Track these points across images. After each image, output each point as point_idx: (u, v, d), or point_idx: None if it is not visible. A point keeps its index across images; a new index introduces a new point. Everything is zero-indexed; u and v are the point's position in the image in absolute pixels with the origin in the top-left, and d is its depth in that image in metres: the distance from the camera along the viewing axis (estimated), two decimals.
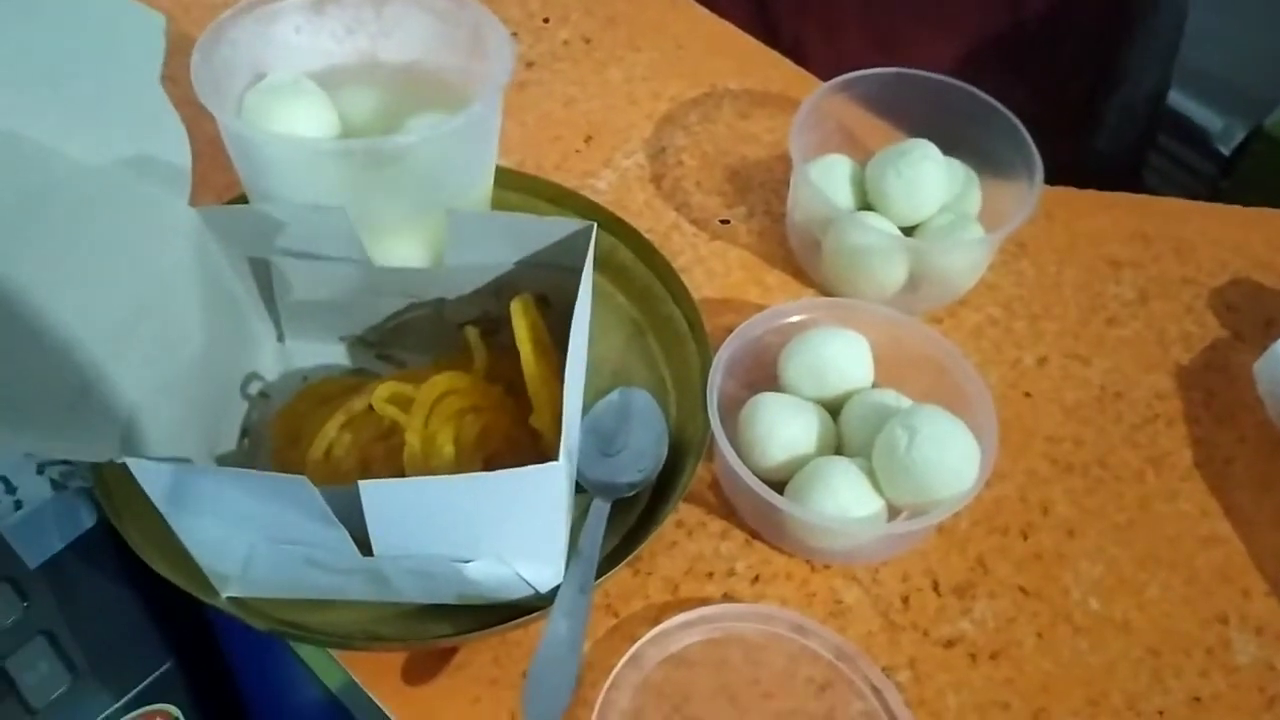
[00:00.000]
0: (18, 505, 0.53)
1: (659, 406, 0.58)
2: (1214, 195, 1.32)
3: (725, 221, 0.70)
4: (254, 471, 0.42)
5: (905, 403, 0.56)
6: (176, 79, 0.51)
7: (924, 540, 0.56)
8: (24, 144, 0.46)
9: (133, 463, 0.42)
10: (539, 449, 0.53)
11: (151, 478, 0.43)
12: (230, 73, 0.55)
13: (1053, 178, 0.72)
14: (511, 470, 0.43)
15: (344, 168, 0.52)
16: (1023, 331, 0.66)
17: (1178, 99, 1.29)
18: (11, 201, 0.45)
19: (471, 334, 0.55)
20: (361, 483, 0.42)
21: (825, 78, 0.68)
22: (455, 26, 0.57)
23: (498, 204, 0.62)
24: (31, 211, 0.45)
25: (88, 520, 0.55)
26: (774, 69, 0.81)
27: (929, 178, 0.64)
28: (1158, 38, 1.04)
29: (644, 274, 0.63)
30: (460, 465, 0.50)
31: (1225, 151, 1.33)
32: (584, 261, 0.51)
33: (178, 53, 0.52)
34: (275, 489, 0.43)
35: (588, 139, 0.75)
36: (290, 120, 0.54)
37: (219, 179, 0.63)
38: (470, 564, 0.47)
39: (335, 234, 0.52)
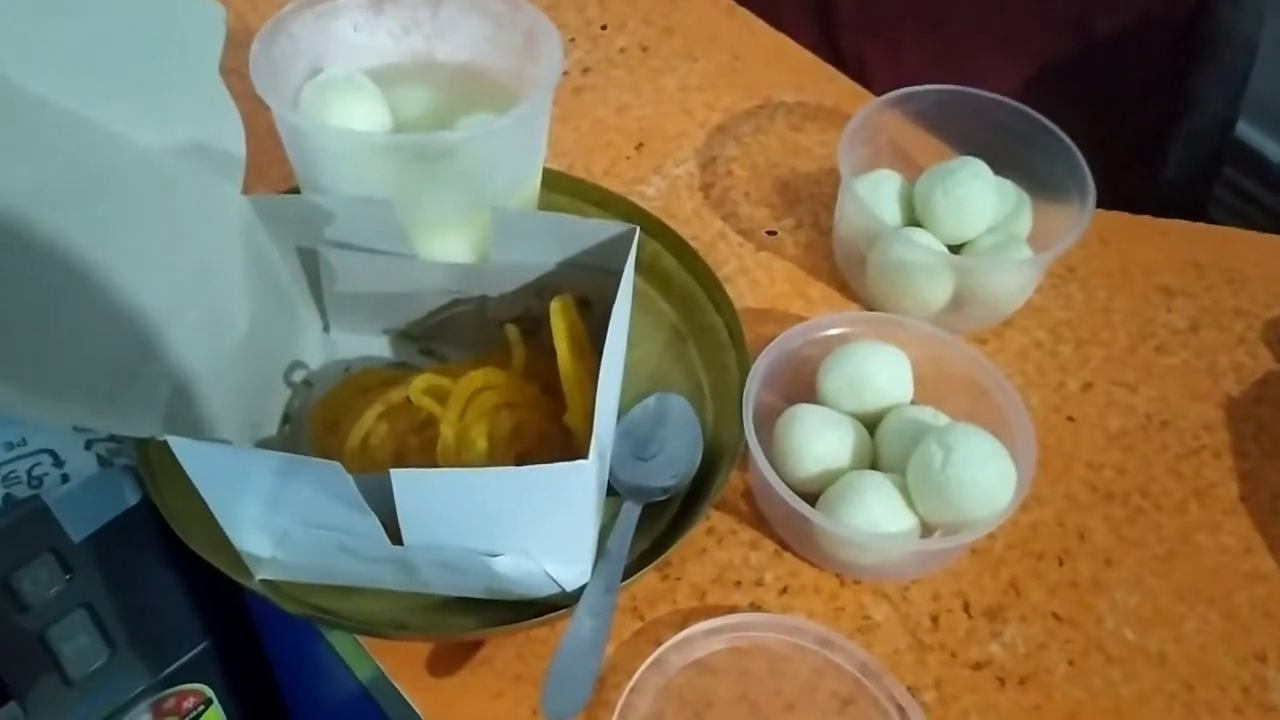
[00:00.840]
0: (64, 479, 0.54)
1: (695, 413, 0.58)
2: None
3: (772, 233, 0.70)
4: (290, 455, 0.43)
5: (943, 420, 0.56)
6: (241, 72, 0.52)
7: (956, 560, 0.56)
8: (86, 125, 0.47)
9: (173, 440, 0.43)
10: (572, 448, 0.53)
11: (191, 456, 0.44)
12: (288, 66, 0.56)
13: (1117, 208, 0.71)
14: (541, 466, 0.43)
15: (393, 162, 0.53)
16: (1068, 356, 0.66)
17: (1247, 132, 1.27)
18: (70, 180, 0.46)
19: (511, 332, 0.56)
20: (394, 471, 0.42)
21: None
22: (509, 29, 0.58)
23: (545, 205, 0.63)
24: (88, 191, 0.47)
25: (132, 497, 0.57)
26: (829, 83, 0.81)
27: (977, 197, 0.63)
28: (1227, 67, 1.02)
29: (687, 281, 0.63)
30: (493, 460, 0.50)
31: None
32: (626, 264, 0.52)
33: (242, 46, 0.53)
34: (310, 473, 0.44)
35: (639, 146, 0.75)
36: (344, 115, 0.55)
37: (276, 172, 0.65)
38: (498, 558, 0.47)
39: (382, 227, 0.53)
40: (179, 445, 0.43)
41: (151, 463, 0.52)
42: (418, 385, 0.50)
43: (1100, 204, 0.64)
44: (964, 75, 0.74)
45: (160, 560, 0.57)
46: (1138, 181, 0.99)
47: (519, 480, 0.44)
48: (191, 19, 0.50)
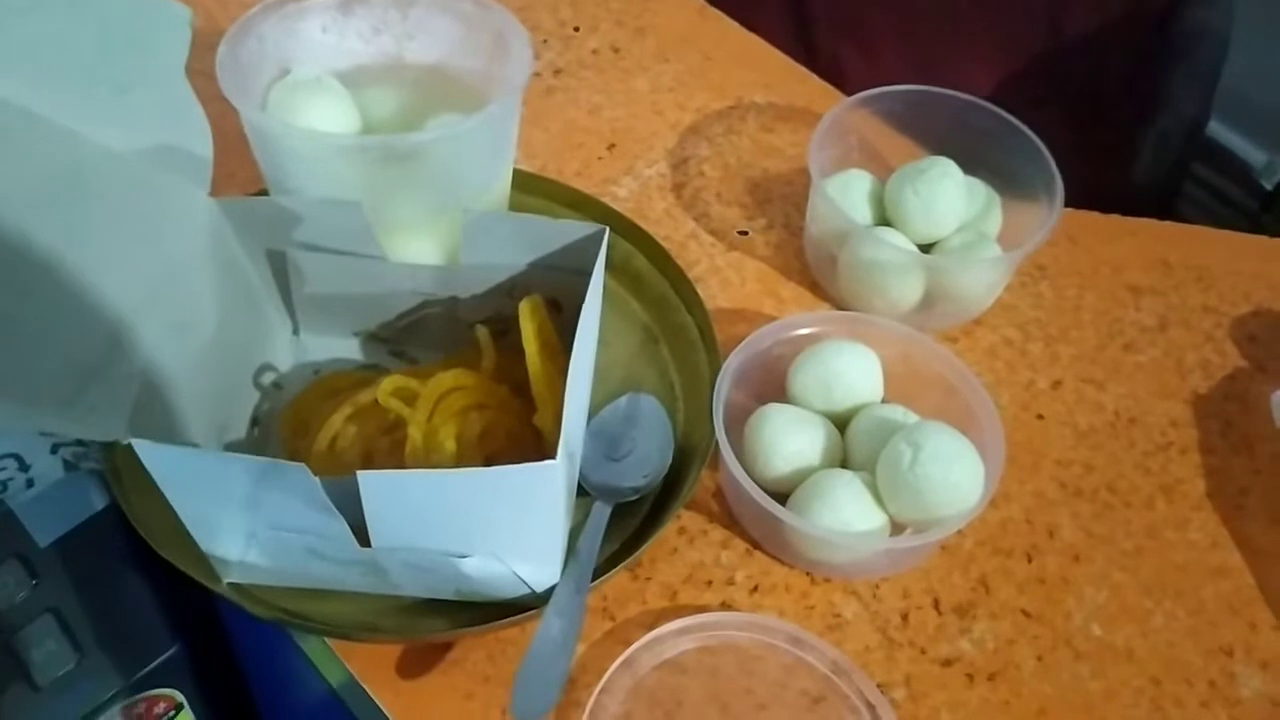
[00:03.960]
0: (30, 484, 0.54)
1: (666, 413, 0.58)
2: (1254, 230, 1.30)
3: (743, 233, 0.71)
4: (256, 458, 0.43)
5: (913, 419, 0.56)
6: (210, 74, 0.52)
7: (926, 558, 0.56)
8: (51, 128, 0.47)
9: (138, 444, 0.43)
10: (542, 449, 0.53)
11: (155, 459, 0.43)
12: (256, 68, 0.56)
13: (1088, 205, 0.72)
14: (508, 467, 0.43)
15: (361, 163, 0.53)
16: (1038, 354, 0.66)
17: (1219, 130, 1.28)
18: (37, 182, 0.46)
19: (482, 333, 0.55)
20: (360, 473, 0.42)
21: None
22: (479, 30, 0.58)
23: (517, 207, 0.63)
24: (56, 193, 0.46)
25: (99, 502, 0.56)
26: (800, 84, 0.81)
27: (947, 196, 0.64)
28: (1198, 67, 1.03)
29: (659, 281, 0.63)
30: (461, 461, 0.50)
31: (1268, 186, 1.31)
32: (596, 265, 0.52)
33: (211, 48, 0.53)
34: (276, 476, 0.43)
35: (611, 146, 0.75)
36: (312, 117, 0.55)
37: (245, 173, 0.64)
38: (467, 560, 0.47)
39: (350, 229, 0.52)
40: (143, 448, 0.43)
41: (118, 467, 0.52)
42: (385, 387, 0.50)
43: (1072, 202, 0.64)
44: (938, 76, 0.74)
45: (129, 564, 0.57)
46: (1110, 180, 0.99)
47: (486, 481, 0.44)
48: (156, 21, 0.49)
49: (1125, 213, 0.75)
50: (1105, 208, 0.75)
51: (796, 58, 0.84)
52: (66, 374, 0.44)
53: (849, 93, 0.79)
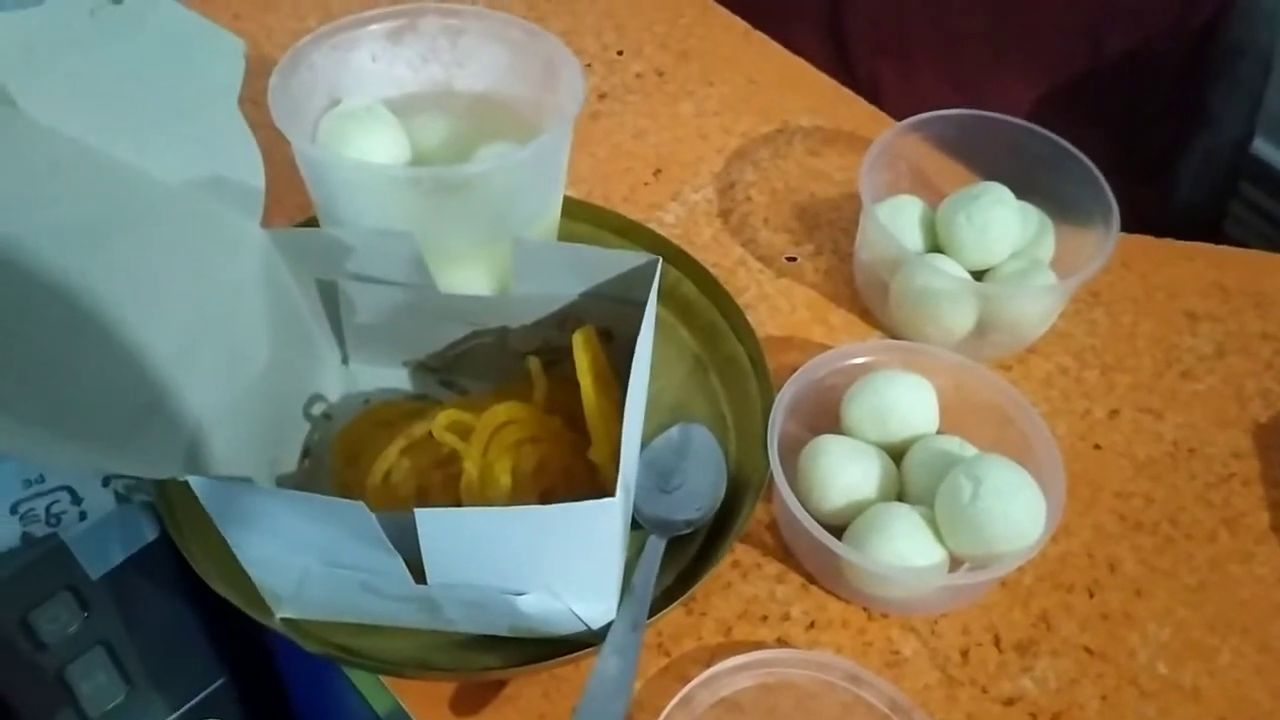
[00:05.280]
0: (82, 516, 0.54)
1: (718, 444, 0.58)
2: None
3: (792, 259, 0.70)
4: (313, 495, 0.43)
5: (970, 451, 0.55)
6: (258, 101, 0.52)
7: (985, 594, 0.55)
8: (105, 161, 0.47)
9: (194, 480, 0.42)
10: (596, 482, 0.52)
11: (212, 496, 0.43)
12: (307, 97, 0.56)
13: (1132, 226, 0.70)
14: (567, 504, 0.42)
15: (413, 194, 0.53)
16: (1094, 382, 0.65)
17: (1265, 149, 1.26)
18: (91, 218, 0.45)
19: (533, 364, 0.55)
20: (418, 510, 0.42)
21: (901, 117, 0.68)
22: (528, 58, 0.58)
23: (565, 234, 0.62)
24: (109, 230, 0.46)
25: (150, 533, 0.56)
26: (847, 107, 0.80)
27: (1000, 222, 0.63)
28: (1242, 83, 1.02)
29: (708, 309, 0.63)
30: (517, 495, 0.49)
31: None
32: (648, 295, 0.51)
33: (260, 76, 0.53)
34: (333, 513, 0.43)
35: (657, 172, 0.75)
36: (363, 146, 0.55)
37: (293, 201, 0.64)
38: (523, 597, 0.46)
39: (402, 259, 0.52)
40: (200, 485, 0.43)
41: (170, 500, 0.51)
42: (441, 421, 0.50)
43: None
44: (978, 95, 0.73)
45: (178, 596, 0.57)
46: (1153, 199, 0.98)
47: (544, 519, 0.43)
48: (210, 52, 0.49)
49: (1171, 233, 0.74)
50: (1149, 228, 0.74)
51: (834, 77, 0.84)
52: (122, 412, 0.44)
53: (889, 113, 0.78)
